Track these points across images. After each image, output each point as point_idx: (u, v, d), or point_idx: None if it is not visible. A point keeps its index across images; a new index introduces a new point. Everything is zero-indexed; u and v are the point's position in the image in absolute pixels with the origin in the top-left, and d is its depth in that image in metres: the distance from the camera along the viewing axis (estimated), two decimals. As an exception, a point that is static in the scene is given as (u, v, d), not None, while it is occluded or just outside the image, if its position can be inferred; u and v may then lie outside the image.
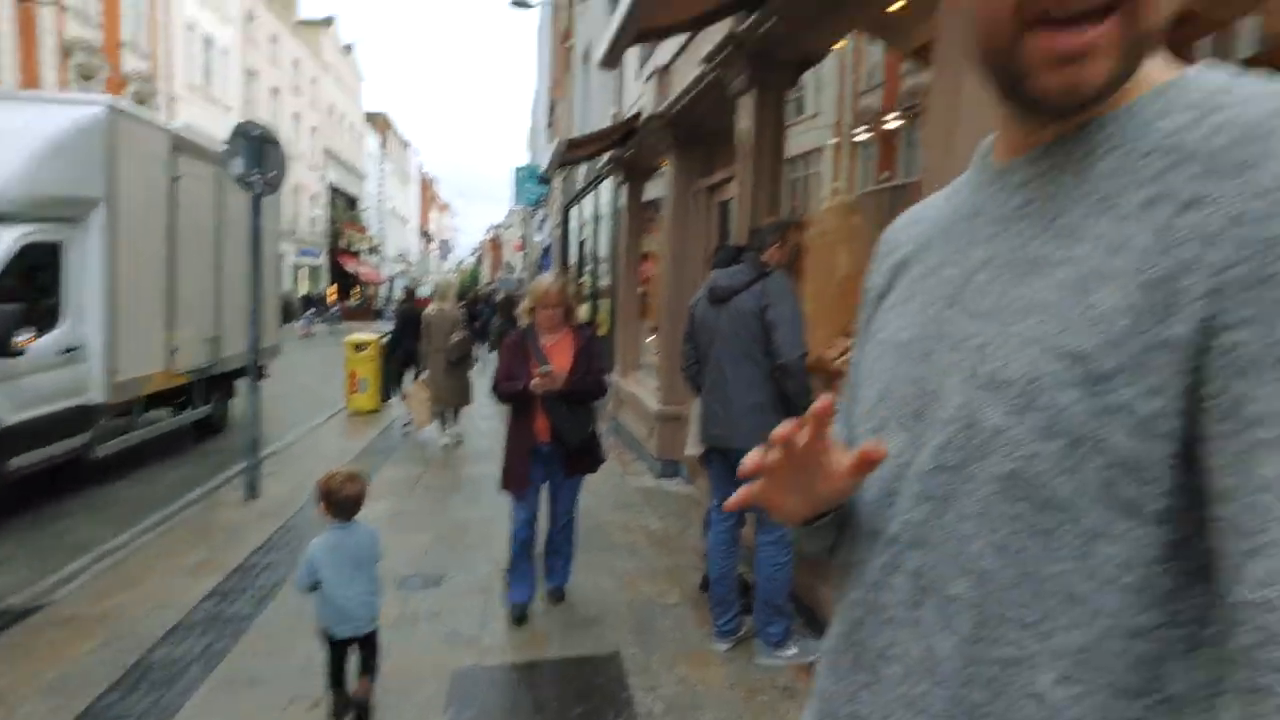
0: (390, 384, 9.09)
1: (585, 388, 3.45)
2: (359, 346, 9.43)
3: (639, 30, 3.32)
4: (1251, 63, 3.52)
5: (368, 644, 2.69)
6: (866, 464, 0.59)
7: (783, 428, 0.59)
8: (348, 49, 44.24)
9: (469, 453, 7.35)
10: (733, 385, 3.12)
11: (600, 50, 3.48)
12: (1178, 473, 0.47)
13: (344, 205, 40.12)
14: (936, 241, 0.69)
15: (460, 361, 7.48)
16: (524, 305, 3.58)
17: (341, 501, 2.61)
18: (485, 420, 8.77)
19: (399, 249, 60.72)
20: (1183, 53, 2.94)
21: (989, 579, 0.54)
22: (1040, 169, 0.59)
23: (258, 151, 5.42)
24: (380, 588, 2.72)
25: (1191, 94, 0.53)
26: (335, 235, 38.14)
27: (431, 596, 3.82)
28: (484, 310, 17.54)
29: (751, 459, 0.63)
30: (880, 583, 0.62)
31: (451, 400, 7.55)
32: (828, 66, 4.30)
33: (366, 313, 35.70)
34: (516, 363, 3.45)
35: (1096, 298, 0.50)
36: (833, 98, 4.42)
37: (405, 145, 65.80)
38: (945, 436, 0.58)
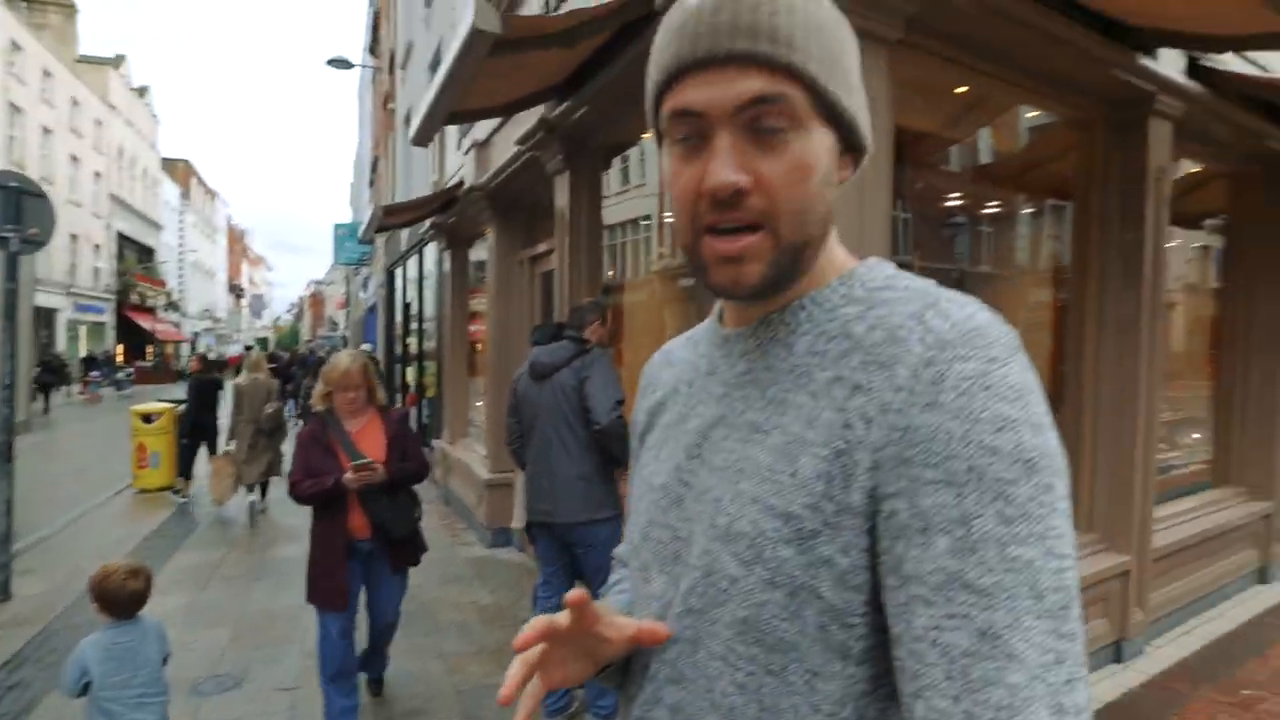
0: (184, 459, 8.19)
1: (407, 475, 3.12)
2: (148, 417, 8.45)
3: (450, 112, 3.40)
4: (983, 171, 4.27)
5: None
6: (644, 640, 0.66)
7: (532, 630, 0.63)
8: (142, 91, 40.46)
9: (275, 532, 6.77)
10: (557, 459, 3.18)
11: (412, 130, 3.52)
12: (871, 618, 0.55)
13: (136, 257, 36.04)
14: (683, 390, 0.76)
15: (274, 432, 7.29)
16: (318, 390, 3.10)
17: (123, 601, 2.30)
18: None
19: (204, 305, 55.28)
20: (932, 160, 3.52)
21: (735, 714, 0.60)
22: (757, 341, 0.67)
23: (15, 204, 4.83)
24: (167, 689, 2.40)
25: (864, 286, 0.63)
26: (124, 289, 34.05)
27: (230, 702, 3.46)
28: (296, 373, 16.32)
29: (515, 674, 0.65)
30: (644, 717, 0.68)
31: (262, 474, 7.24)
32: (649, 140, 4.61)
33: (165, 374, 32.02)
34: (317, 456, 2.98)
35: (800, 464, 0.57)
36: (655, 170, 4.74)
37: (212, 195, 60.70)
38: (691, 582, 0.64)
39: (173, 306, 42.48)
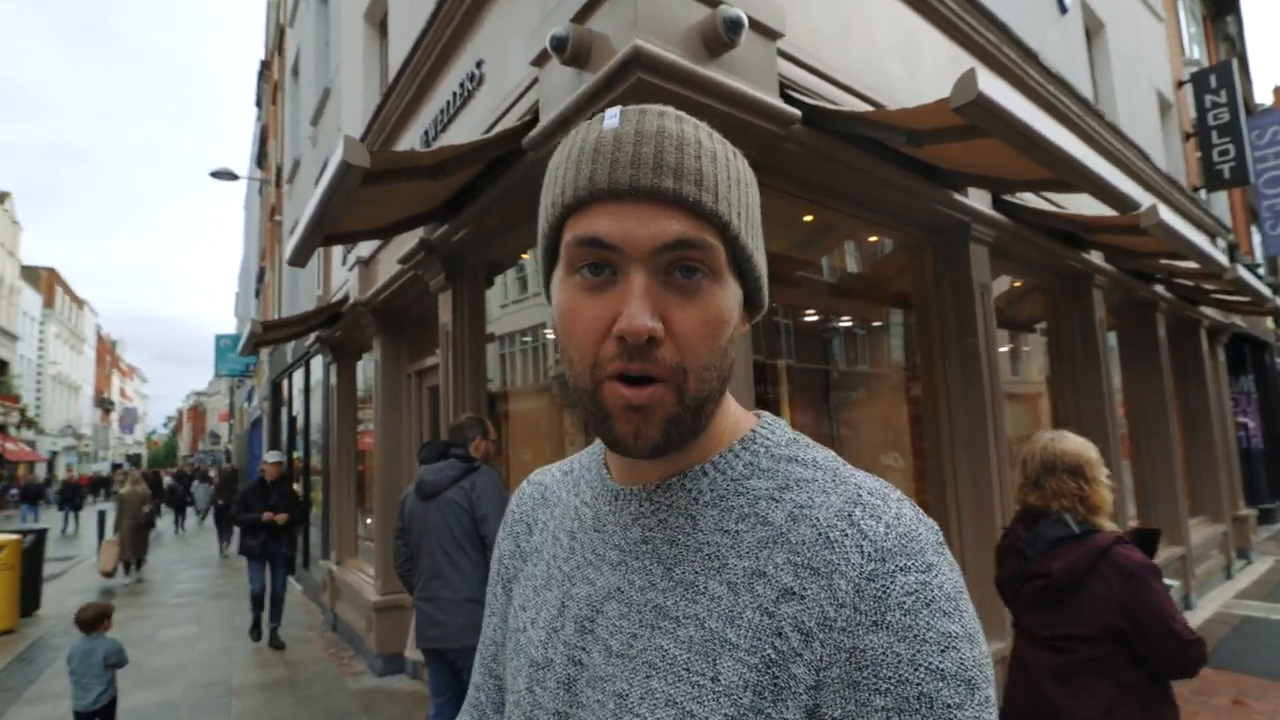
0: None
1: None
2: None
3: (327, 235, 3.44)
4: (840, 286, 4.67)
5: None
6: None
7: None
8: (1, 197, 38.26)
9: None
10: (448, 581, 3.08)
11: (288, 252, 3.53)
12: None
13: (-15, 372, 32.94)
14: (564, 540, 0.69)
15: (147, 525, 10.76)
16: None
17: (83, 623, 3.77)
18: (180, 596, 7.36)
19: (67, 420, 50.59)
20: (794, 278, 3.81)
21: None
22: (655, 506, 0.61)
23: None
24: (108, 683, 3.74)
25: (769, 453, 0.61)
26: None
27: None
28: (177, 487, 18.99)
29: None
30: None
31: (136, 554, 10.54)
32: (528, 259, 4.75)
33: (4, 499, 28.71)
34: None
35: (722, 667, 0.53)
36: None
37: (80, 304, 56.91)
38: None
39: (29, 424, 38.73)
